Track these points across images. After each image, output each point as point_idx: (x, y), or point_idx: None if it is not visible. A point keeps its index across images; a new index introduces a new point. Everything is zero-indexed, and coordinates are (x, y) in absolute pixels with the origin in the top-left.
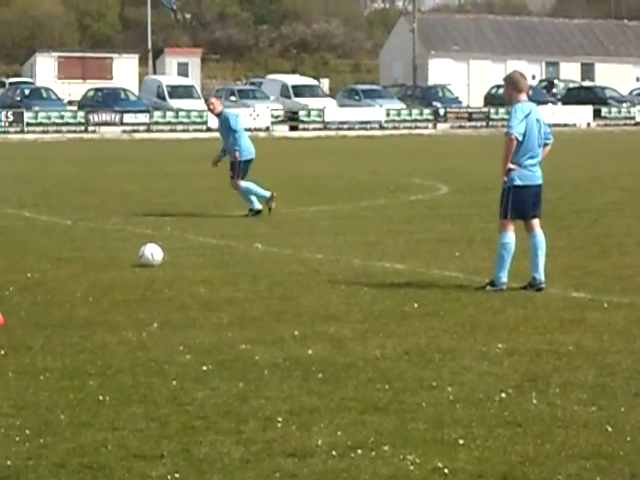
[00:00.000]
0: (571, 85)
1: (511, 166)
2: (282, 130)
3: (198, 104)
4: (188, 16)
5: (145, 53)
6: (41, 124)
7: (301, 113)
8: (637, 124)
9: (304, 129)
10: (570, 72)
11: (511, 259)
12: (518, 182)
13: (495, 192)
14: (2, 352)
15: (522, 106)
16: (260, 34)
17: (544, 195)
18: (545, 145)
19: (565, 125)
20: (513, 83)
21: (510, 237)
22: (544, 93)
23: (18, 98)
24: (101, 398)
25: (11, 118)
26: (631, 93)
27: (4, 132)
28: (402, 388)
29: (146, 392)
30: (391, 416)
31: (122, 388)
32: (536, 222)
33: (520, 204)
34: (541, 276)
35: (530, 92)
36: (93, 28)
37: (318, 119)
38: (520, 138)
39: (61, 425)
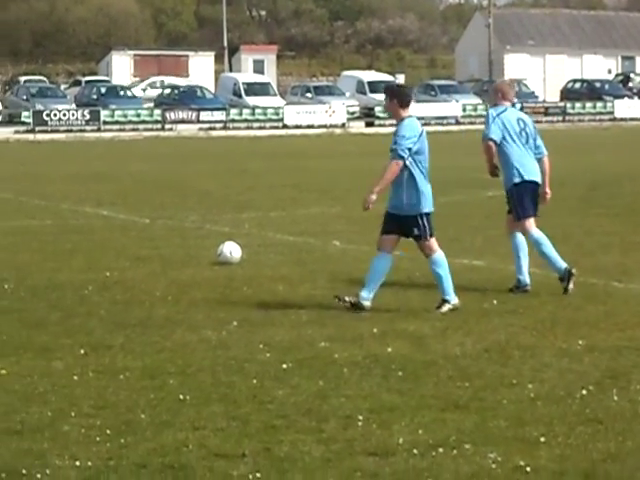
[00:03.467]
0: None
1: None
2: (358, 126)
3: (274, 101)
4: (263, 13)
5: (221, 51)
6: (118, 122)
7: (377, 109)
8: None
9: (380, 125)
10: None
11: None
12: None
13: (571, 187)
14: (82, 352)
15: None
16: (335, 30)
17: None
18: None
19: None
20: (500, 91)
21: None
22: (620, 87)
23: (94, 96)
24: (181, 397)
25: (88, 116)
26: None
27: (81, 131)
28: (482, 386)
29: (226, 391)
30: (472, 414)
31: (202, 387)
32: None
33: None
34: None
35: (606, 86)
36: (169, 26)
37: None
38: (498, 141)
39: (142, 425)
